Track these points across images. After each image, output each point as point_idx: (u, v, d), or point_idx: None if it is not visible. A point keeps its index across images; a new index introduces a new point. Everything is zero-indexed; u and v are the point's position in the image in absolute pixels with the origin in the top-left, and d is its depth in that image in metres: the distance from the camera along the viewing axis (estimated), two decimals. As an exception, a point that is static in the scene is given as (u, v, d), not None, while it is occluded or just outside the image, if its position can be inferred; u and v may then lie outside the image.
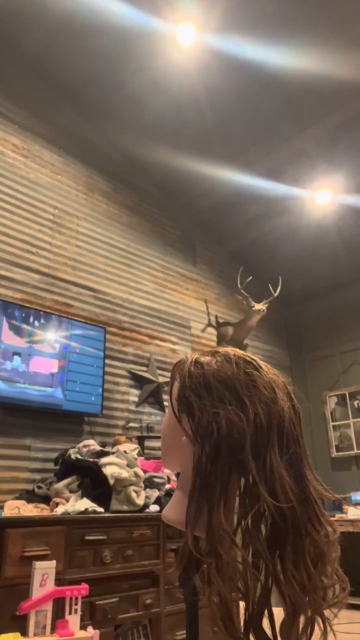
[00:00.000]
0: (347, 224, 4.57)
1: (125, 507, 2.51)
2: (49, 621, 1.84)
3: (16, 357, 2.91)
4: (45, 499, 2.57)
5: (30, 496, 2.60)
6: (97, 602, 2.19)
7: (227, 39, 3.23)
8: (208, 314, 4.68)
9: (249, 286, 4.50)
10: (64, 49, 3.49)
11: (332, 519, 0.70)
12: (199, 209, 4.73)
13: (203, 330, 4.56)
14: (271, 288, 4.61)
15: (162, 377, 3.83)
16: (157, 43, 3.32)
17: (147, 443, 3.44)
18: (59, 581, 1.99)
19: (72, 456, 2.70)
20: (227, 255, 5.13)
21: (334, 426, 5.11)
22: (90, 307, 3.59)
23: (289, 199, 4.39)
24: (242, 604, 0.63)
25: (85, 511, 2.31)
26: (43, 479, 2.78)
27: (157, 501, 2.68)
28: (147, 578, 2.46)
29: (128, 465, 2.62)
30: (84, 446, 2.76)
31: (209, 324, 4.65)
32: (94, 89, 3.77)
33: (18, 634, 1.77)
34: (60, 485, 2.53)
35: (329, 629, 0.64)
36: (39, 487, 2.67)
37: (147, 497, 2.65)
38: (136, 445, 3.00)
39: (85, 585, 1.99)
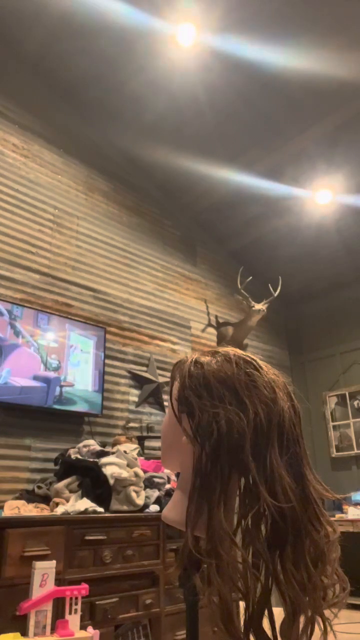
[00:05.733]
0: (347, 224, 4.57)
1: (125, 507, 2.51)
2: (49, 621, 1.84)
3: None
4: (45, 499, 2.57)
5: (30, 496, 2.60)
6: (97, 602, 2.19)
7: (227, 39, 3.23)
8: (208, 314, 4.68)
9: (249, 286, 4.51)
10: (64, 49, 3.48)
11: (332, 519, 0.70)
12: (199, 209, 4.73)
13: (203, 330, 4.56)
14: (271, 288, 4.61)
15: (162, 377, 3.83)
16: (157, 43, 3.32)
17: (147, 443, 3.43)
18: (59, 581, 2.00)
19: (72, 456, 2.70)
20: (227, 255, 5.13)
21: (334, 426, 5.11)
22: (90, 307, 3.59)
23: (289, 199, 4.39)
24: (242, 604, 0.63)
25: (85, 511, 2.31)
26: (43, 479, 2.78)
27: (157, 501, 2.68)
28: (147, 578, 2.46)
29: (128, 465, 2.62)
30: (84, 446, 2.76)
31: (209, 324, 4.65)
32: (94, 89, 3.77)
33: (18, 634, 1.78)
34: (60, 485, 2.53)
35: (329, 629, 0.64)
36: (39, 487, 2.67)
37: (147, 497, 2.65)
38: (136, 445, 3.00)
39: (85, 585, 1.99)
